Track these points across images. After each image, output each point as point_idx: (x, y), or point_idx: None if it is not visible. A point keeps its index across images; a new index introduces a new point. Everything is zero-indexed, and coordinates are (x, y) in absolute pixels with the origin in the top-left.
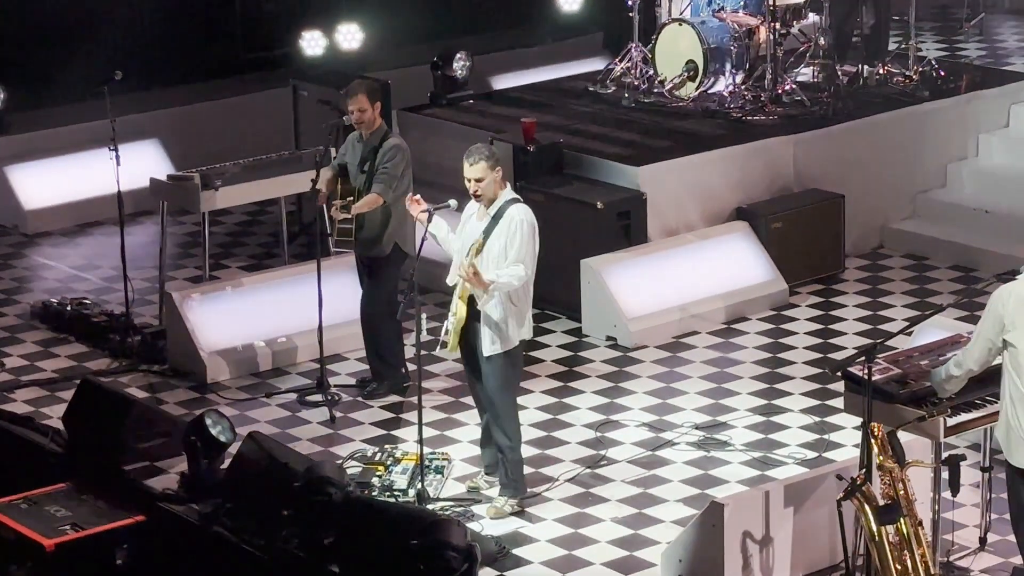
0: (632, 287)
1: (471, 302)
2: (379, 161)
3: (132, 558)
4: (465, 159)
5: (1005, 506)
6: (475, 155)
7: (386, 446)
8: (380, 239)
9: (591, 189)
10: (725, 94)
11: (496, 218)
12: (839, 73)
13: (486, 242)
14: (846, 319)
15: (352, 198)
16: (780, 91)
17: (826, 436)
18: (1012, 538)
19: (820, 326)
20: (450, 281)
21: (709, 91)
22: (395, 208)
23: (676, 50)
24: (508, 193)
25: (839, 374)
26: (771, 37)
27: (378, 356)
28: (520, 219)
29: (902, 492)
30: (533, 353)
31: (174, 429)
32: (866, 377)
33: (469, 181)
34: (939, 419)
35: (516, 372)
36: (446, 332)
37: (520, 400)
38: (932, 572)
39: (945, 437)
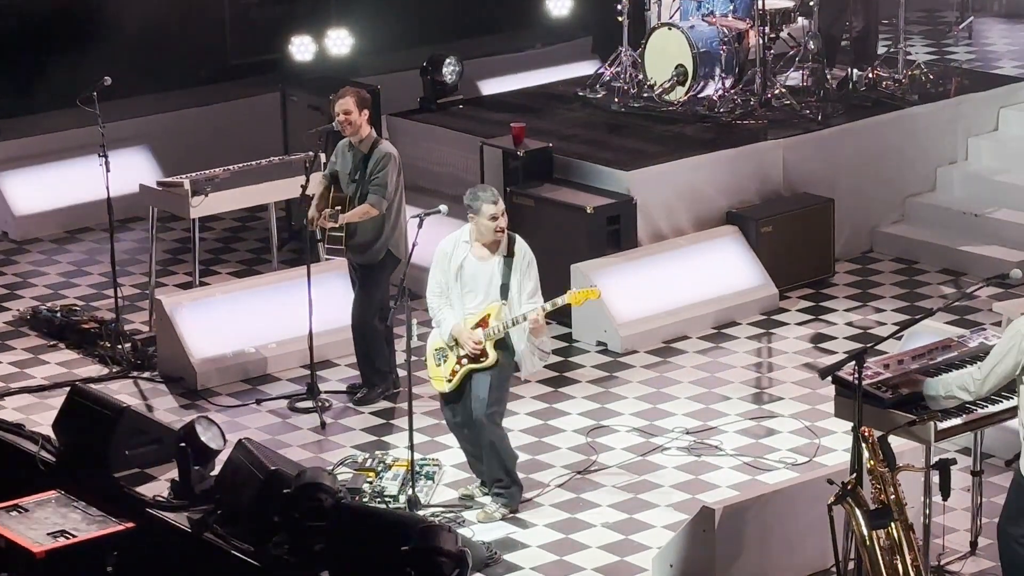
0: (622, 292)
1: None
2: (370, 170)
3: (122, 565)
4: (491, 200)
5: (996, 510)
6: (496, 195)
7: (377, 452)
8: (373, 245)
9: (581, 194)
10: (715, 98)
11: (510, 255)
12: (828, 77)
13: (510, 284)
14: (836, 323)
15: (341, 207)
16: (769, 95)
17: (817, 440)
18: None
19: (810, 330)
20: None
21: (699, 95)
22: (388, 215)
23: (666, 54)
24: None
25: (829, 379)
26: (760, 41)
27: (368, 362)
28: (531, 253)
29: (893, 496)
30: None
31: (164, 436)
32: (856, 381)
33: (496, 219)
34: (930, 423)
35: None
36: (451, 376)
37: (510, 406)
38: None
39: (936, 441)
